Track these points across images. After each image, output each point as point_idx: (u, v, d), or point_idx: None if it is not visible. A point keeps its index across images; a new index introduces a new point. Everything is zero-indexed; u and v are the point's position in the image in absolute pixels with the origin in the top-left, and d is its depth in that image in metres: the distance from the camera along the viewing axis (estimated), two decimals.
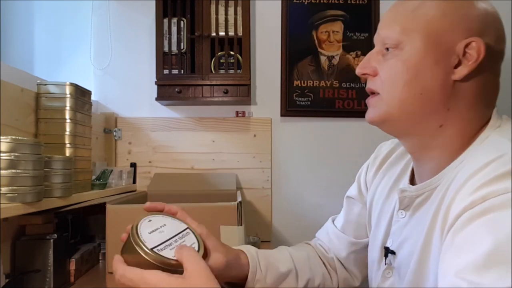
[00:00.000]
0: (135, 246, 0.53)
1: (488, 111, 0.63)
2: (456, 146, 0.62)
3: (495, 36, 0.61)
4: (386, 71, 0.64)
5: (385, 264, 0.71)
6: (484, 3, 0.61)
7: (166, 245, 0.55)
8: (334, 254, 0.86)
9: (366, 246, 0.82)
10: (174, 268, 0.53)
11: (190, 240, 0.59)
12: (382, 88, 0.64)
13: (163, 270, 0.52)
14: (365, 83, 0.68)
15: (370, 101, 0.68)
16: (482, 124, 0.62)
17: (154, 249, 0.53)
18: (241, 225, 1.11)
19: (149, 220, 0.58)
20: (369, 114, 0.68)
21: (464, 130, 0.62)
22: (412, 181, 0.71)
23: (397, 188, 0.71)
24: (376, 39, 0.67)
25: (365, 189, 0.86)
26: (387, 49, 0.64)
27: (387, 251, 0.70)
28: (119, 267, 0.54)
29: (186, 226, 0.61)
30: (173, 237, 0.57)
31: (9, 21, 1.67)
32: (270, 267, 0.74)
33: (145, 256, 0.52)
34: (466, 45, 0.59)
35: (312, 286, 0.80)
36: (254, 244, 1.30)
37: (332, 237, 0.87)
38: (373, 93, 0.67)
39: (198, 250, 0.58)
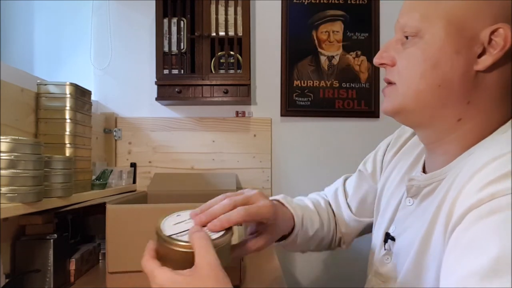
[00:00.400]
0: (155, 235, 0.56)
1: None
2: (474, 142, 0.58)
3: None
4: (404, 61, 0.61)
5: (385, 249, 0.71)
6: None
7: (188, 232, 0.56)
8: (338, 218, 0.91)
9: (366, 225, 0.87)
10: (190, 249, 0.53)
11: None
12: (399, 79, 0.61)
13: (186, 254, 0.52)
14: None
15: (385, 91, 0.65)
16: (506, 119, 0.58)
17: (173, 236, 0.54)
18: (241, 225, 1.10)
19: (178, 215, 0.61)
20: (384, 104, 0.65)
21: (485, 125, 0.58)
22: (425, 170, 0.68)
23: (409, 176, 0.70)
24: (396, 27, 0.63)
25: (380, 170, 0.84)
26: (407, 37, 0.60)
27: (388, 237, 0.70)
28: (145, 254, 0.54)
29: None
30: None
31: (9, 21, 1.67)
32: (305, 233, 0.82)
33: (162, 242, 0.54)
34: (492, 32, 0.54)
35: (324, 244, 0.89)
36: None
37: (341, 204, 0.90)
38: (390, 83, 0.64)
39: (223, 236, 0.57)
